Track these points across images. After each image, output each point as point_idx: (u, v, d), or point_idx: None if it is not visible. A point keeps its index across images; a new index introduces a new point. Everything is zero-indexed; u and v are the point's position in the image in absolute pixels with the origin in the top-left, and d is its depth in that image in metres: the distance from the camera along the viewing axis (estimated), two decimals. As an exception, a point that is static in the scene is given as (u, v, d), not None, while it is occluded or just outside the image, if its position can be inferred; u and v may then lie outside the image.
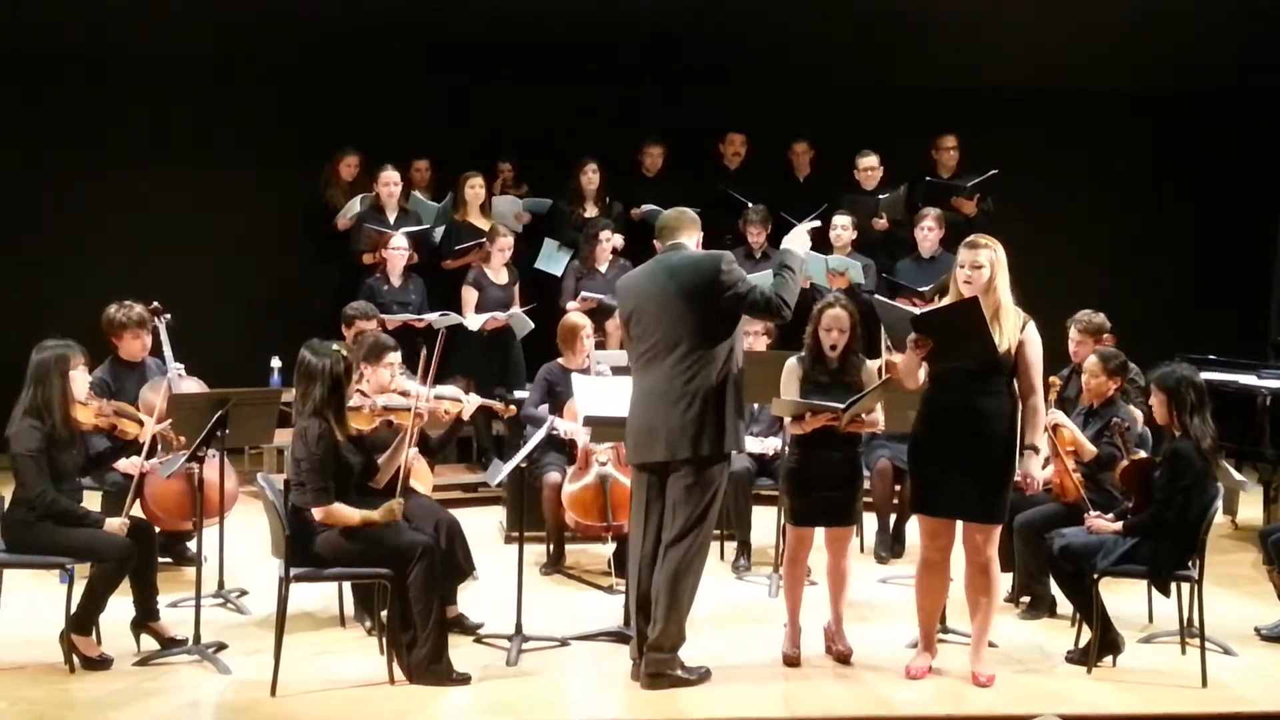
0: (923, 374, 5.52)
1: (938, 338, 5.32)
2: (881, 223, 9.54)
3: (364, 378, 6.04)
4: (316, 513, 5.33)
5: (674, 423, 5.32)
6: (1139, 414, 6.51)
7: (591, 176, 9.56)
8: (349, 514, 5.38)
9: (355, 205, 9.21)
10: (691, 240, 5.59)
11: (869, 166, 9.68)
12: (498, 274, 9.05)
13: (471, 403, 6.35)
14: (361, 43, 10.11)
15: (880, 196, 9.57)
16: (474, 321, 8.79)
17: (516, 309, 8.94)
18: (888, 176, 9.70)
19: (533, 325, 8.84)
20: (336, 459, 5.39)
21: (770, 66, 10.43)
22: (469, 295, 8.96)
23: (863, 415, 5.73)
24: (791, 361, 5.88)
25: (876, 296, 6.02)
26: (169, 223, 10.22)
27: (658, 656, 5.35)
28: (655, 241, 5.71)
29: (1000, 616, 5.86)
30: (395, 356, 6.19)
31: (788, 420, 5.84)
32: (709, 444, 5.33)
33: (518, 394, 7.88)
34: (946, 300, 5.56)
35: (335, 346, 5.53)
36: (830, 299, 5.93)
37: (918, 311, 5.57)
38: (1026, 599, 6.49)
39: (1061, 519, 6.14)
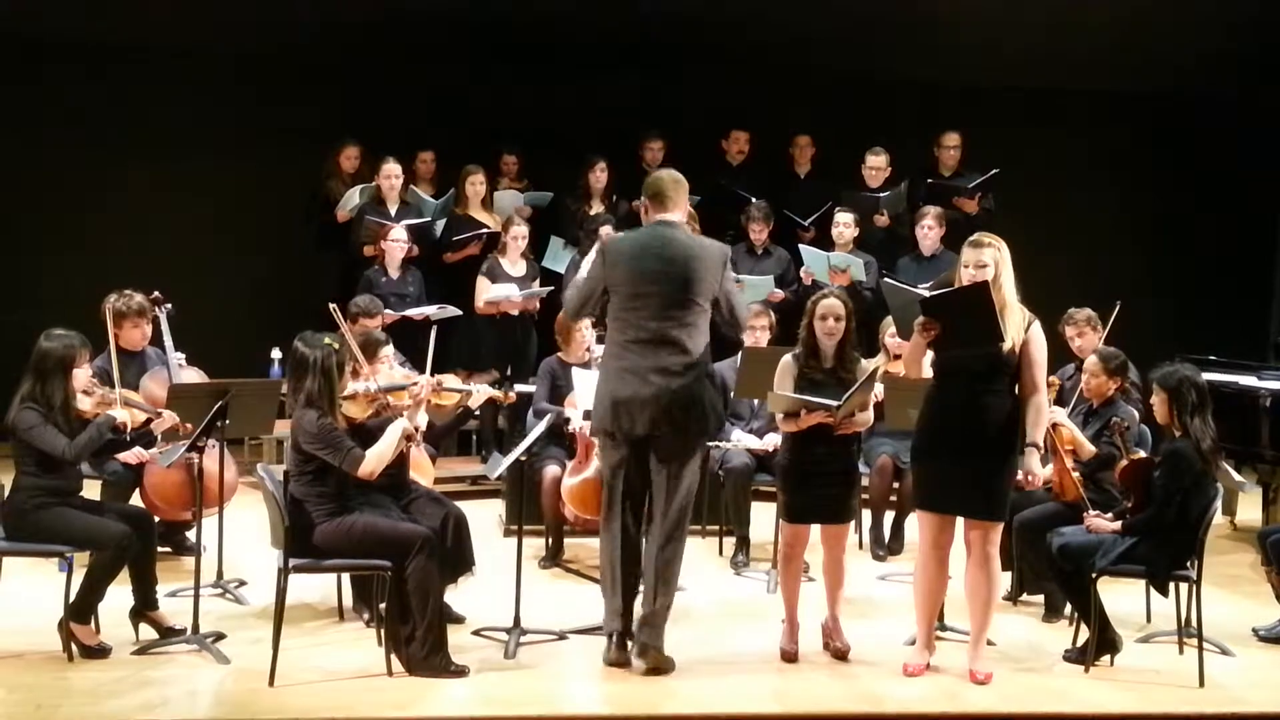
0: (927, 369, 5.51)
1: (946, 322, 5.29)
2: (883, 220, 9.49)
3: (361, 376, 6.05)
4: (361, 473, 5.35)
5: (666, 399, 5.40)
6: (1135, 413, 6.52)
7: (600, 175, 9.51)
8: (382, 450, 5.43)
9: (354, 197, 9.18)
10: (681, 214, 5.65)
11: (876, 165, 9.60)
12: (514, 265, 8.95)
13: (481, 392, 6.45)
14: (365, 34, 10.09)
15: (881, 195, 9.54)
16: (481, 300, 8.74)
17: (527, 291, 8.83)
18: (890, 174, 9.68)
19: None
20: None
21: (771, 60, 10.41)
22: (482, 285, 8.84)
23: (855, 415, 5.68)
24: (786, 359, 5.82)
25: (885, 280, 6.00)
26: (170, 212, 10.21)
27: (652, 630, 5.46)
28: (645, 201, 5.66)
29: (999, 615, 5.85)
30: (388, 350, 6.33)
31: (779, 418, 5.81)
32: (695, 422, 5.46)
33: (519, 386, 7.86)
34: None
35: (327, 340, 5.54)
36: (826, 290, 5.91)
37: (927, 294, 5.55)
38: (1026, 596, 6.50)
39: (1061, 518, 6.14)
